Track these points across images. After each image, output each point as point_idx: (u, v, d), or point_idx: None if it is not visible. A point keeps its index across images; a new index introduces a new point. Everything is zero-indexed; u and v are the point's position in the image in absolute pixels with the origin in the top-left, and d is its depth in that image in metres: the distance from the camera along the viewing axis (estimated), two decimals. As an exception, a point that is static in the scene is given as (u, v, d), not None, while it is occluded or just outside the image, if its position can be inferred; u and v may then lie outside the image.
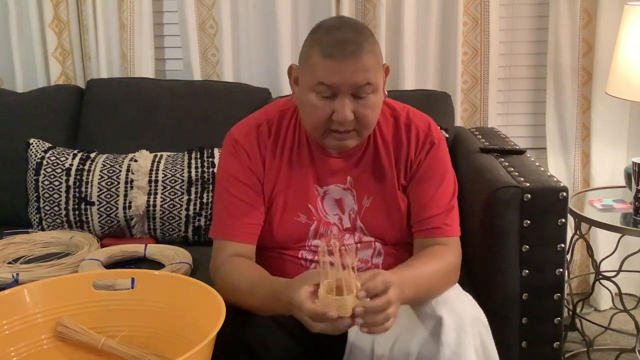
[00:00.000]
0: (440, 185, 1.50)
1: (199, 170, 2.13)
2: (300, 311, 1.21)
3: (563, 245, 1.72)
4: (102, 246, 2.07)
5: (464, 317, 1.29)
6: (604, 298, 2.56)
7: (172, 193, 2.11)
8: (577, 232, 2.18)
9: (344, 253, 1.19)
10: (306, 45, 1.42)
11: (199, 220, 2.11)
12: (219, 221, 1.53)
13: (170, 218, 2.11)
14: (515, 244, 1.72)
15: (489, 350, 1.33)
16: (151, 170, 2.13)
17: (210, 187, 2.10)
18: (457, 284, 1.49)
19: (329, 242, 1.22)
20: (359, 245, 1.52)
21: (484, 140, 2.16)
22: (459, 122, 2.47)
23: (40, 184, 2.16)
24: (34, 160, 2.19)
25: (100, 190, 2.12)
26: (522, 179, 1.76)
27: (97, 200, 2.12)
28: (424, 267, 1.37)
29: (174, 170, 2.14)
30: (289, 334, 1.39)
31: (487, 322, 1.34)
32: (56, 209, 2.14)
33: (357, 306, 1.18)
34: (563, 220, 1.71)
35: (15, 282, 1.81)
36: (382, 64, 1.43)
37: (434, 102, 2.29)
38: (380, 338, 1.36)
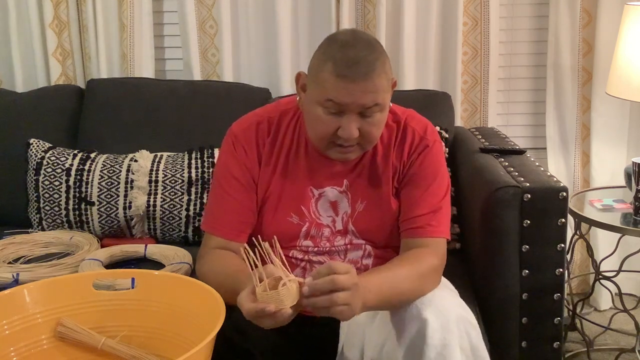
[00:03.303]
0: (429, 186, 1.49)
1: (199, 170, 2.13)
2: (244, 312, 1.21)
3: (563, 245, 1.72)
4: (102, 246, 2.07)
5: (449, 317, 1.28)
6: (604, 298, 2.56)
7: (172, 193, 2.11)
8: (577, 232, 2.18)
9: (270, 254, 1.20)
10: (318, 58, 1.39)
11: (199, 220, 2.11)
12: (209, 214, 1.55)
13: (171, 218, 2.11)
14: (515, 244, 1.72)
15: (478, 350, 1.31)
16: (151, 170, 2.13)
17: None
18: (449, 284, 1.49)
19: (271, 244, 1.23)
20: (349, 246, 1.52)
21: (484, 140, 2.16)
22: (459, 122, 2.47)
23: (40, 184, 2.16)
24: (34, 160, 2.19)
25: (101, 190, 2.12)
26: (522, 179, 1.76)
27: (97, 200, 2.12)
28: (393, 272, 1.34)
29: (174, 171, 2.14)
30: (279, 334, 1.37)
31: (475, 322, 1.33)
32: (56, 209, 2.14)
33: (303, 285, 1.18)
34: (563, 220, 1.71)
35: (15, 282, 1.81)
36: (391, 80, 1.42)
37: (434, 102, 2.29)
38: (370, 340, 1.36)
